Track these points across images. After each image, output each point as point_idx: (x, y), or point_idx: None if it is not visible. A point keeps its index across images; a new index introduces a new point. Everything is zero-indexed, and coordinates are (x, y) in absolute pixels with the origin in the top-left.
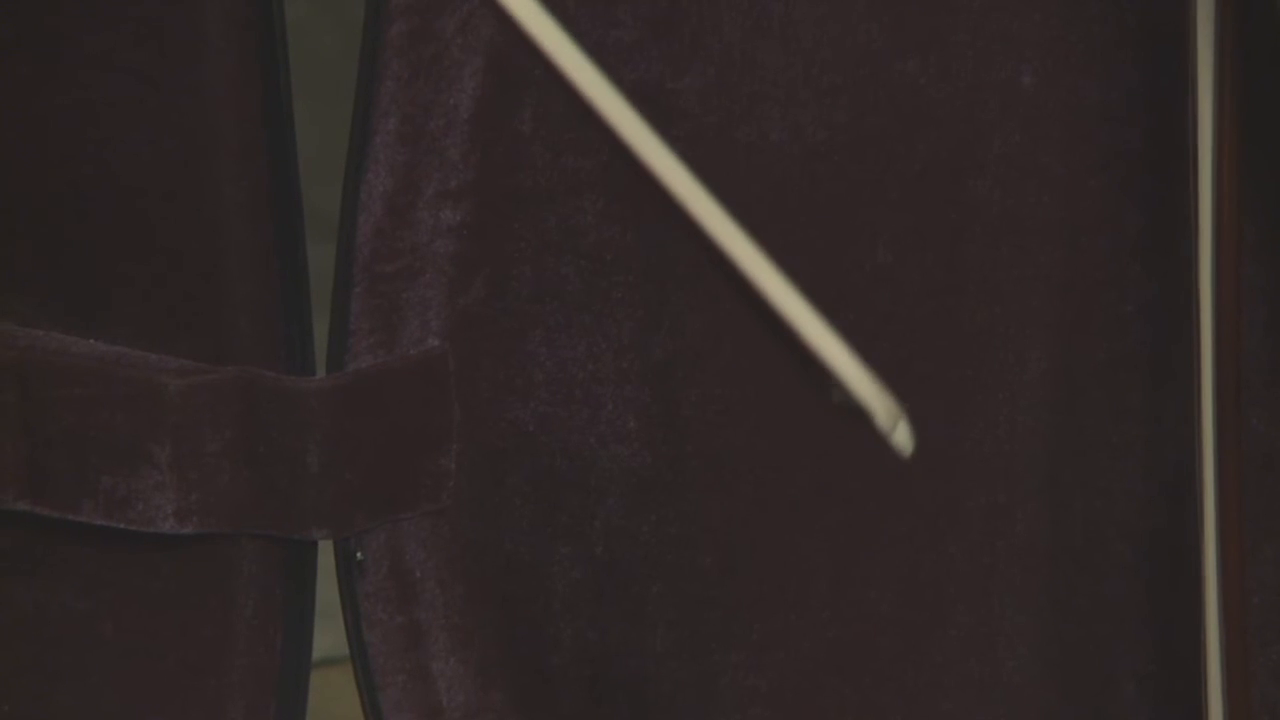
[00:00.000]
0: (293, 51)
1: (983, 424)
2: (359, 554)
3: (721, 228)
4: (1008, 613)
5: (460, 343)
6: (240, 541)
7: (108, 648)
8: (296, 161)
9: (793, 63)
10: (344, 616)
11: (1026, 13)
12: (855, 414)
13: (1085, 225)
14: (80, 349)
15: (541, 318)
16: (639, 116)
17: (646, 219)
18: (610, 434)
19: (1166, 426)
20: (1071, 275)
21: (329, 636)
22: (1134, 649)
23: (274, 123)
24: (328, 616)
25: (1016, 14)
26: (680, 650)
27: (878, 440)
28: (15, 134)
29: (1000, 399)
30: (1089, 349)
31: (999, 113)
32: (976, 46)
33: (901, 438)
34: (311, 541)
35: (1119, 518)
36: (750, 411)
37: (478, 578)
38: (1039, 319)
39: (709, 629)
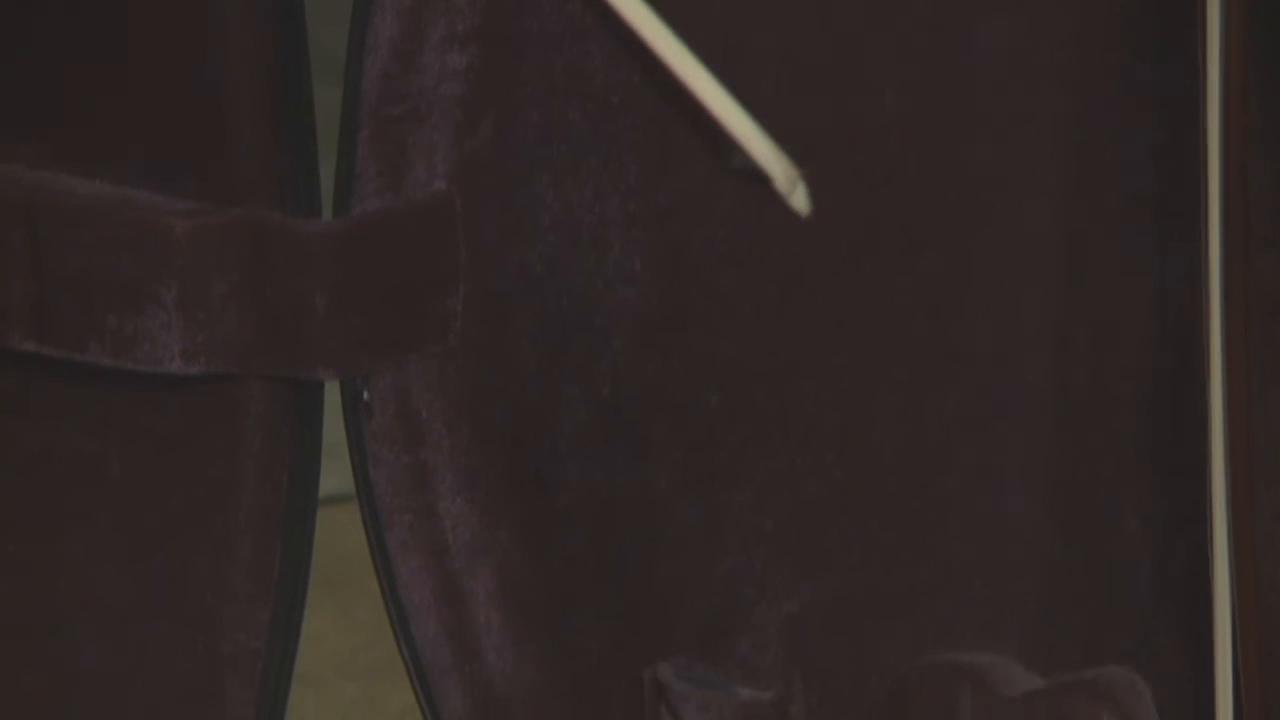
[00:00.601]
0: None
1: (989, 268)
2: (365, 394)
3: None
4: (1011, 454)
5: (466, 186)
6: (247, 382)
7: (115, 488)
8: (303, 4)
9: None
10: (350, 457)
11: None
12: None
13: (1095, 72)
14: (88, 190)
15: (548, 161)
16: None
17: (653, 63)
18: (617, 276)
19: (1173, 269)
20: (1080, 121)
21: (335, 474)
22: (1138, 489)
23: None
24: (334, 454)
25: None
26: (686, 490)
27: (883, 285)
28: None
29: (1007, 243)
30: (1096, 194)
31: None
32: None
33: (800, 200)
34: (318, 382)
35: (1124, 359)
36: (756, 255)
37: (484, 419)
38: (1047, 164)
39: (714, 469)
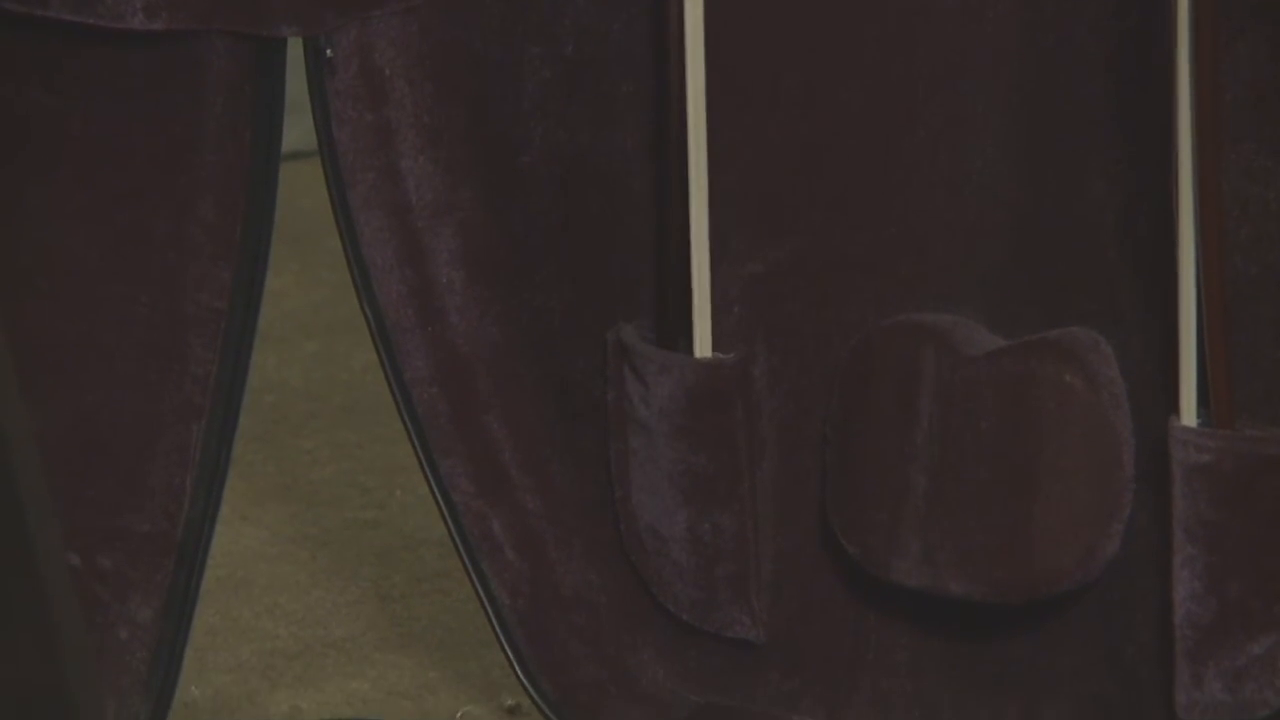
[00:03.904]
0: None
1: None
2: (328, 51)
3: None
4: (978, 111)
5: None
6: (210, 38)
7: (76, 145)
8: None
9: None
10: (313, 115)
11: None
12: None
13: None
14: None
15: None
16: None
17: None
18: None
19: None
20: None
21: (297, 129)
22: (1104, 147)
23: None
24: (297, 109)
25: None
26: (649, 148)
27: None
28: None
29: None
30: None
31: None
32: None
33: None
34: (281, 38)
35: (1091, 15)
36: None
37: (447, 77)
38: None
39: (678, 127)
